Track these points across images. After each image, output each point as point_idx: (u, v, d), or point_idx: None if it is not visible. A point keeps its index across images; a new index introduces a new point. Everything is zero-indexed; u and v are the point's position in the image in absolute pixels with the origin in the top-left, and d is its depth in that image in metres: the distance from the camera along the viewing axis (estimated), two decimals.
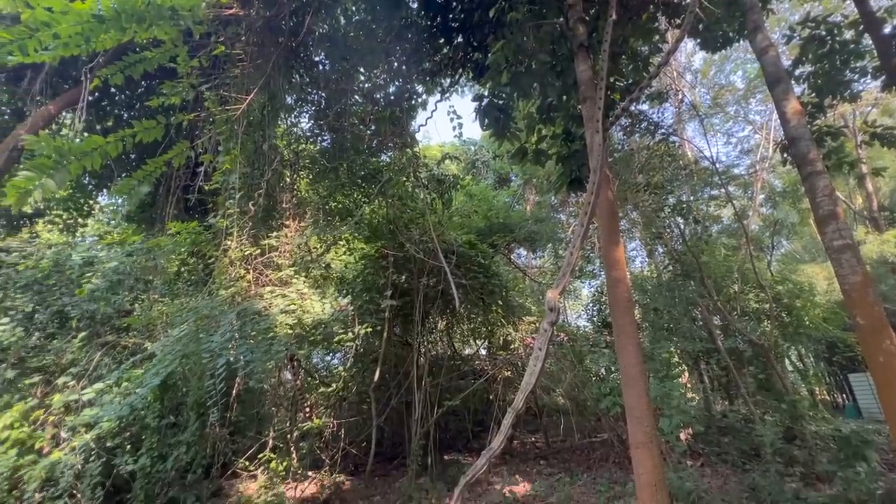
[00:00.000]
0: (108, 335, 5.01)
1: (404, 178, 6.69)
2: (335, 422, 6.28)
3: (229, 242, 5.50)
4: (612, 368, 6.23)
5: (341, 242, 7.33)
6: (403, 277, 6.09)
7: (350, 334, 5.55)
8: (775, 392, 7.05)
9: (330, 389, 5.86)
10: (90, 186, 9.15)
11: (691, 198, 8.80)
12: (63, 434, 4.13)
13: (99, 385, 4.15)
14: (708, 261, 8.09)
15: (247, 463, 6.14)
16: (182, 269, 7.05)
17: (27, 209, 7.96)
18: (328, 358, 8.04)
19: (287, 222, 6.15)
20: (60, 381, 4.39)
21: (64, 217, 8.25)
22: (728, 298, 8.32)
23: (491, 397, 7.74)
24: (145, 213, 8.81)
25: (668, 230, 8.82)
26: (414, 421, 6.07)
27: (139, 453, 4.18)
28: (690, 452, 6.27)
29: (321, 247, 6.92)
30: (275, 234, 5.65)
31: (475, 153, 14.80)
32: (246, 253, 5.27)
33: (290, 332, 4.53)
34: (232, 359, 4.07)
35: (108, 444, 4.10)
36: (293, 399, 6.66)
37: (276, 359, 4.79)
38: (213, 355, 3.88)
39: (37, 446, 3.96)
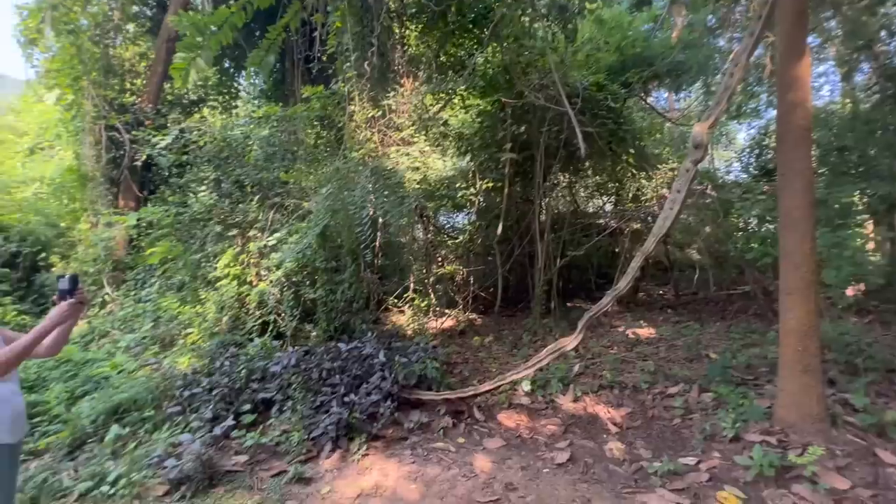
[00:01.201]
0: (274, 198, 5.99)
1: (519, 12, 5.85)
2: (464, 270, 6.95)
3: (352, 107, 5.75)
4: (767, 217, 5.44)
5: (456, 99, 7.10)
6: (523, 129, 5.77)
7: (472, 190, 5.73)
8: None
9: (458, 241, 6.37)
10: (231, 70, 10.10)
11: None
12: (262, 272, 5.38)
13: (277, 235, 5.16)
14: None
15: (395, 301, 7.38)
16: (318, 141, 7.74)
17: (193, 96, 9.25)
18: (454, 216, 8.56)
19: (402, 81, 6.09)
20: (251, 233, 5.56)
21: (220, 100, 9.46)
22: None
23: (616, 250, 7.60)
24: (278, 89, 9.55)
25: (882, 40, 6.49)
26: (537, 270, 6.37)
27: (316, 287, 5.28)
28: (858, 309, 5.55)
29: (436, 105, 6.82)
30: (391, 93, 5.69)
31: None
32: (369, 116, 5.49)
33: (417, 187, 4.84)
34: (371, 211, 4.60)
35: (294, 279, 5.24)
36: (426, 251, 7.48)
37: (407, 212, 5.25)
38: (357, 207, 4.40)
39: (248, 280, 5.27)
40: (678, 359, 4.76)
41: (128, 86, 7.76)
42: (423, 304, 6.74)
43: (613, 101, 6.59)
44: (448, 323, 7.11)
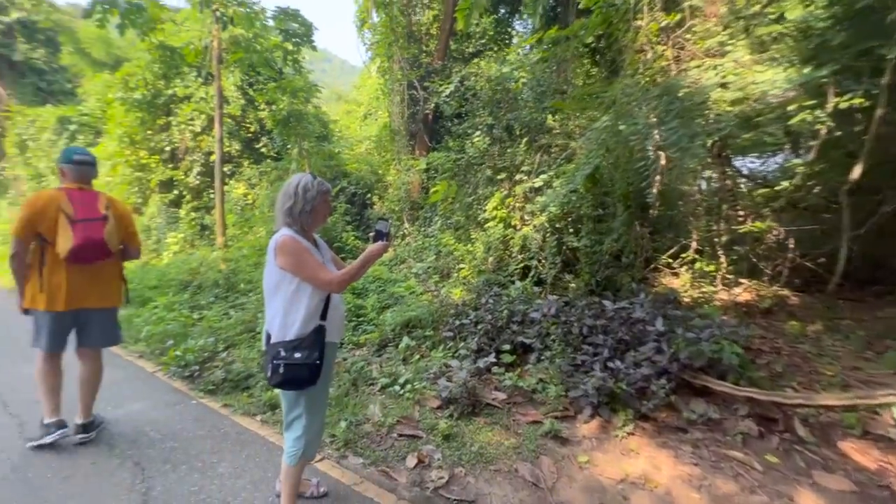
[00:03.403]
0: (542, 140, 5.73)
1: None
2: (781, 229, 5.10)
3: (639, 21, 4.71)
4: None
5: None
6: None
7: (819, 113, 3.89)
8: None
9: (780, 188, 4.59)
10: (507, 15, 10.17)
11: None
12: (526, 216, 5.32)
13: (544, 176, 4.91)
14: None
15: (670, 260, 6.20)
16: (586, 80, 6.95)
17: (470, 48, 9.86)
18: (767, 158, 6.35)
19: None
20: (517, 176, 5.53)
21: (494, 49, 9.75)
22: None
23: None
24: (549, 26, 9.04)
25: None
26: None
27: (580, 236, 4.85)
28: None
29: None
30: None
31: None
32: (662, 24, 4.37)
33: (730, 110, 3.59)
34: (653, 150, 3.70)
35: (557, 225, 4.96)
36: (720, 200, 5.85)
37: (700, 149, 4.03)
38: (641, 137, 3.60)
39: (512, 223, 5.32)
40: None
41: (423, 48, 8.83)
42: (709, 268, 5.39)
43: None
44: (744, 296, 5.49)
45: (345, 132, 12.91)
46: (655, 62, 4.48)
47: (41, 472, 2.48)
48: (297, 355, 1.80)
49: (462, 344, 4.05)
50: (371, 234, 1.99)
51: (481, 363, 3.68)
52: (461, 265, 5.66)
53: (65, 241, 2.48)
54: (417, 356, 4.14)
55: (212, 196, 9.97)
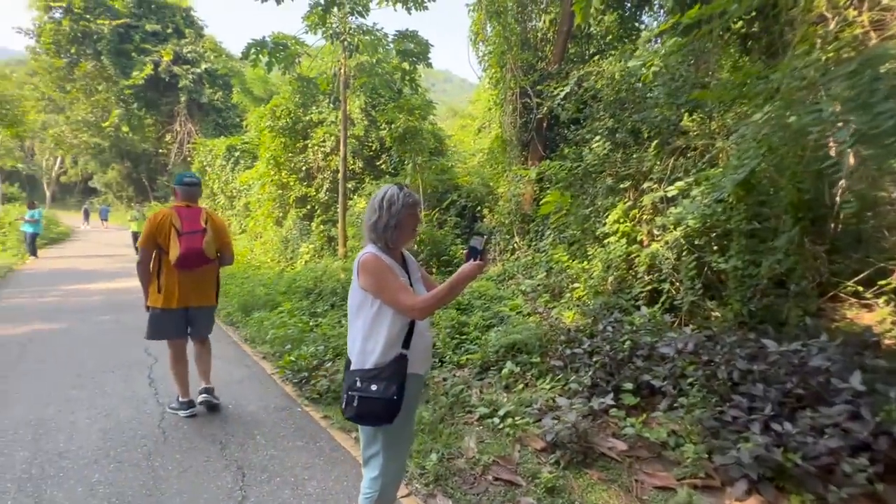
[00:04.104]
0: (676, 142, 4.91)
1: None
2: None
3: None
4: None
5: None
6: None
7: None
8: None
9: None
10: (632, 9, 9.26)
11: None
12: (656, 231, 4.55)
13: (680, 184, 4.14)
14: None
15: (858, 288, 4.76)
16: (732, 71, 5.80)
17: (591, 49, 9.16)
18: None
19: None
20: (645, 185, 4.79)
21: (618, 47, 8.91)
22: None
23: None
24: (686, 10, 7.92)
25: None
26: None
27: (727, 255, 3.95)
28: None
29: None
30: None
31: None
32: None
33: None
34: (831, 146, 2.76)
35: (696, 242, 4.12)
36: None
37: None
38: (825, 129, 2.74)
39: (638, 238, 4.60)
40: None
41: (539, 53, 8.46)
42: None
43: None
44: None
45: (459, 147, 13.09)
46: (841, 32, 3.45)
47: (166, 462, 2.71)
48: (374, 388, 1.60)
49: (573, 376, 3.53)
50: (465, 251, 1.75)
51: (596, 403, 3.13)
52: (575, 284, 5.09)
53: (174, 250, 2.95)
54: (521, 385, 3.74)
55: (338, 210, 10.91)
